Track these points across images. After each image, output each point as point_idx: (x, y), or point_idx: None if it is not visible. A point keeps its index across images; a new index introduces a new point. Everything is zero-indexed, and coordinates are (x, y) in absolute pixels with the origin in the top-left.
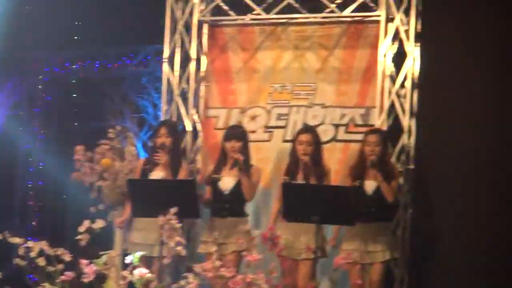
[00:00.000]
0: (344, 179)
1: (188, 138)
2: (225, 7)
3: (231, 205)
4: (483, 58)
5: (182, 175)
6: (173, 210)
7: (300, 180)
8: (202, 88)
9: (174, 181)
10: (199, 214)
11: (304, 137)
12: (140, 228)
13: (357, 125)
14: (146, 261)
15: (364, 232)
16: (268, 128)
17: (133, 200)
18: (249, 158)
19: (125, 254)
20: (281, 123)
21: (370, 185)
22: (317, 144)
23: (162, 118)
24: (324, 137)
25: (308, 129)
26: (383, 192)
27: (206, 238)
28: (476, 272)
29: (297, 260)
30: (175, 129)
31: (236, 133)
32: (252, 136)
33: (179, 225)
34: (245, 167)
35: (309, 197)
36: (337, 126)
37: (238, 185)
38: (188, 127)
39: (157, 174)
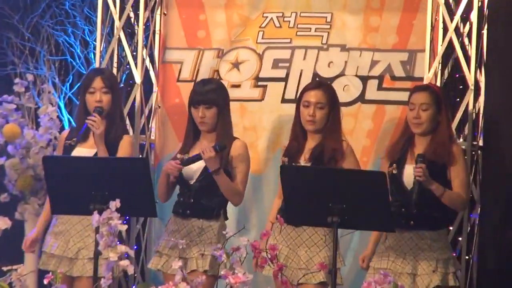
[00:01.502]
0: (381, 161)
1: (136, 95)
2: None
3: (197, 199)
4: None
5: (124, 151)
6: (114, 204)
7: (300, 162)
8: (157, 17)
9: (116, 160)
10: (155, 210)
11: (312, 96)
12: (58, 232)
13: (396, 78)
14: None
15: (406, 244)
16: (259, 81)
17: (52, 189)
18: (229, 131)
19: (43, 270)
20: (280, 73)
21: (410, 174)
22: (332, 106)
23: (96, 63)
24: (345, 96)
25: (318, 84)
26: (443, 199)
27: (162, 249)
28: None
29: (298, 285)
30: (115, 81)
31: (205, 92)
32: (235, 93)
33: (124, 226)
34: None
35: (322, 188)
36: (365, 79)
37: (207, 172)
38: (137, 77)
39: (87, 150)
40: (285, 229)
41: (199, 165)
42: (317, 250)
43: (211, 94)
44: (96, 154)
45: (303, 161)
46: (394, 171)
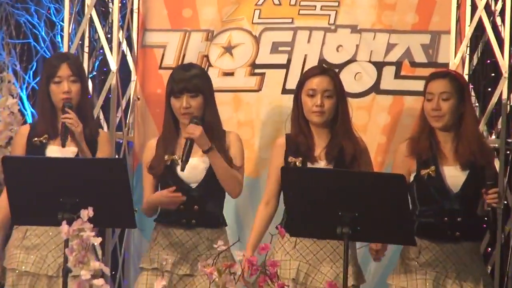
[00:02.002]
0: (401, 161)
1: (112, 85)
2: None
3: (203, 206)
4: None
5: (106, 149)
6: (86, 212)
7: (319, 162)
8: None
9: (88, 161)
10: (134, 220)
11: (317, 83)
12: (31, 246)
13: (416, 65)
14: None
15: (448, 259)
16: (256, 68)
17: (13, 195)
18: (219, 123)
19: None
20: (280, 59)
21: (453, 176)
22: (341, 95)
23: (64, 47)
24: (357, 86)
25: (323, 69)
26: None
27: (150, 264)
28: None
29: None
30: (82, 68)
31: (189, 77)
32: (228, 82)
33: (98, 239)
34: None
35: (330, 193)
36: (380, 65)
37: (212, 172)
38: (112, 64)
39: (63, 149)
40: (301, 242)
41: (202, 166)
42: (338, 263)
43: (196, 80)
44: (77, 154)
45: (322, 163)
46: (433, 174)
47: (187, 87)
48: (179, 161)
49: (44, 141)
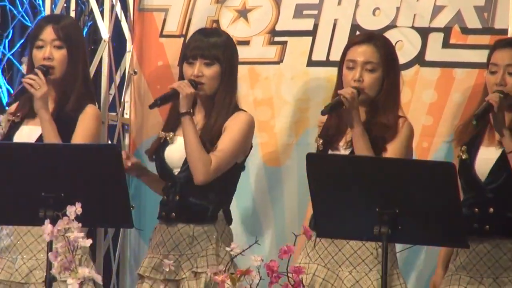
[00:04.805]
0: (453, 146)
1: (103, 56)
2: None
3: (185, 196)
4: None
5: (85, 127)
6: (73, 209)
7: (339, 148)
8: None
9: (75, 147)
10: (131, 217)
11: (359, 53)
12: (4, 248)
13: (468, 31)
14: None
15: (482, 261)
16: (276, 36)
17: None
18: (233, 100)
19: None
20: (305, 24)
21: (487, 159)
22: (389, 68)
23: (46, 11)
24: (399, 56)
25: (369, 36)
26: None
27: (143, 271)
28: None
29: None
30: (76, 33)
31: (207, 44)
32: (242, 53)
33: (87, 241)
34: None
35: (364, 185)
36: (426, 32)
37: None
38: (104, 32)
39: (39, 128)
40: (320, 242)
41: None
42: (366, 270)
43: (216, 48)
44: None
45: (342, 147)
46: (464, 156)
47: (203, 54)
48: (169, 138)
49: (16, 120)
